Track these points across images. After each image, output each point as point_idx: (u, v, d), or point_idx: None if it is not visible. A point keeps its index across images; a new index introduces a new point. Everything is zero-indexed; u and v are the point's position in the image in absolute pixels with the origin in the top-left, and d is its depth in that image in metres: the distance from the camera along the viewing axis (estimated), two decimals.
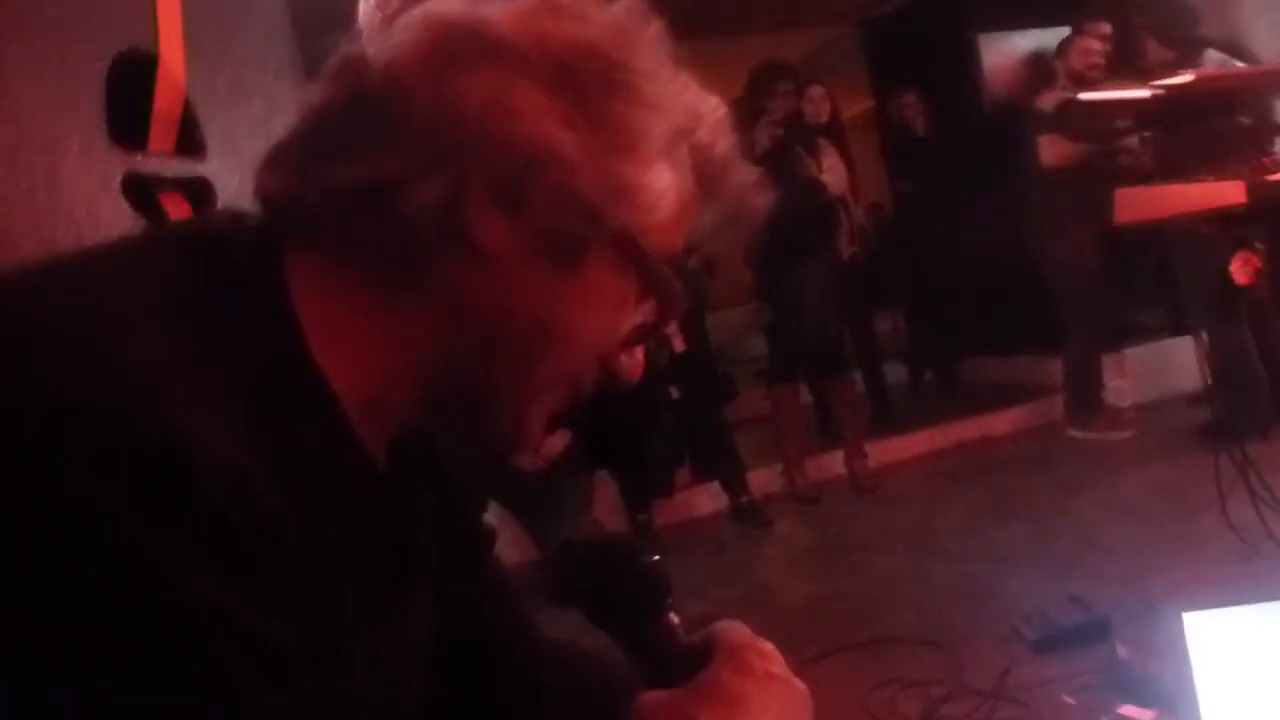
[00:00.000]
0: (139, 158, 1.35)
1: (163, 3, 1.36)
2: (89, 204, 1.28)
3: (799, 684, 0.71)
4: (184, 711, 0.44)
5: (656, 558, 0.75)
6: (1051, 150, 4.41)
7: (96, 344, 0.48)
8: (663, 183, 0.61)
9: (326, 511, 0.54)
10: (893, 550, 3.77)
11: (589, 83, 0.59)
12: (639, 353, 0.69)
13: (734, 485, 4.58)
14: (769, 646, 0.71)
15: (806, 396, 5.20)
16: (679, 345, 4.49)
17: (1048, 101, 4.49)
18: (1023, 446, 4.93)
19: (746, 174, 0.68)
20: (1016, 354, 5.69)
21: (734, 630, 0.72)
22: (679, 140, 0.63)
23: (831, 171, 4.51)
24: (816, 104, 4.78)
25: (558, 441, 4.17)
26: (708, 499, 4.74)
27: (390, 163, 0.56)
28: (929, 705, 2.31)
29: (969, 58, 5.97)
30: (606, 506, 4.45)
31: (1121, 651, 2.20)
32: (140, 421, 0.45)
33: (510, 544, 3.90)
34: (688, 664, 0.70)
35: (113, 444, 0.44)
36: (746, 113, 4.30)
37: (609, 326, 0.64)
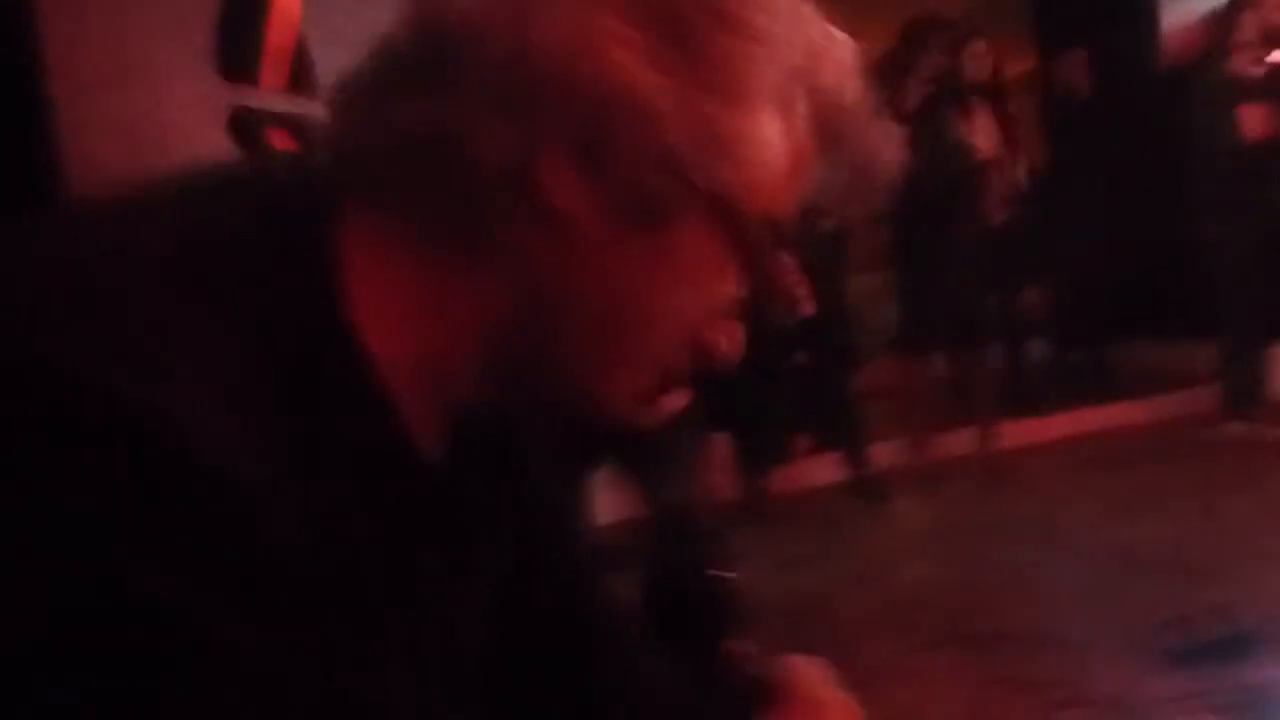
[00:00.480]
0: (248, 92, 1.33)
1: None
2: (192, 136, 1.26)
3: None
4: (92, 691, 0.40)
5: (732, 576, 0.69)
6: (1256, 121, 4.01)
7: (80, 297, 0.44)
8: (769, 133, 0.53)
9: (349, 489, 0.50)
10: (1018, 539, 3.60)
11: (686, 13, 0.51)
12: (737, 329, 0.61)
13: (855, 457, 4.45)
14: (839, 695, 0.65)
15: (940, 369, 5.02)
16: (809, 309, 4.36)
17: (1248, 64, 4.05)
18: (1170, 438, 4.64)
19: (879, 128, 0.59)
20: (1170, 339, 5.35)
21: (808, 676, 0.67)
22: (794, 84, 0.54)
23: (982, 134, 4.26)
24: (978, 60, 4.51)
25: (674, 399, 4.12)
26: (827, 469, 4.61)
27: (461, 109, 0.50)
28: (1044, 711, 2.18)
29: (1147, 15, 5.55)
30: (720, 468, 4.39)
31: (1269, 672, 2.04)
32: (91, 381, 0.41)
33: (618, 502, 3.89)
34: (750, 699, 0.65)
35: (57, 405, 0.41)
36: (895, 68, 4.10)
37: (699, 299, 0.56)
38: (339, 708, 0.48)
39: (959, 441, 4.70)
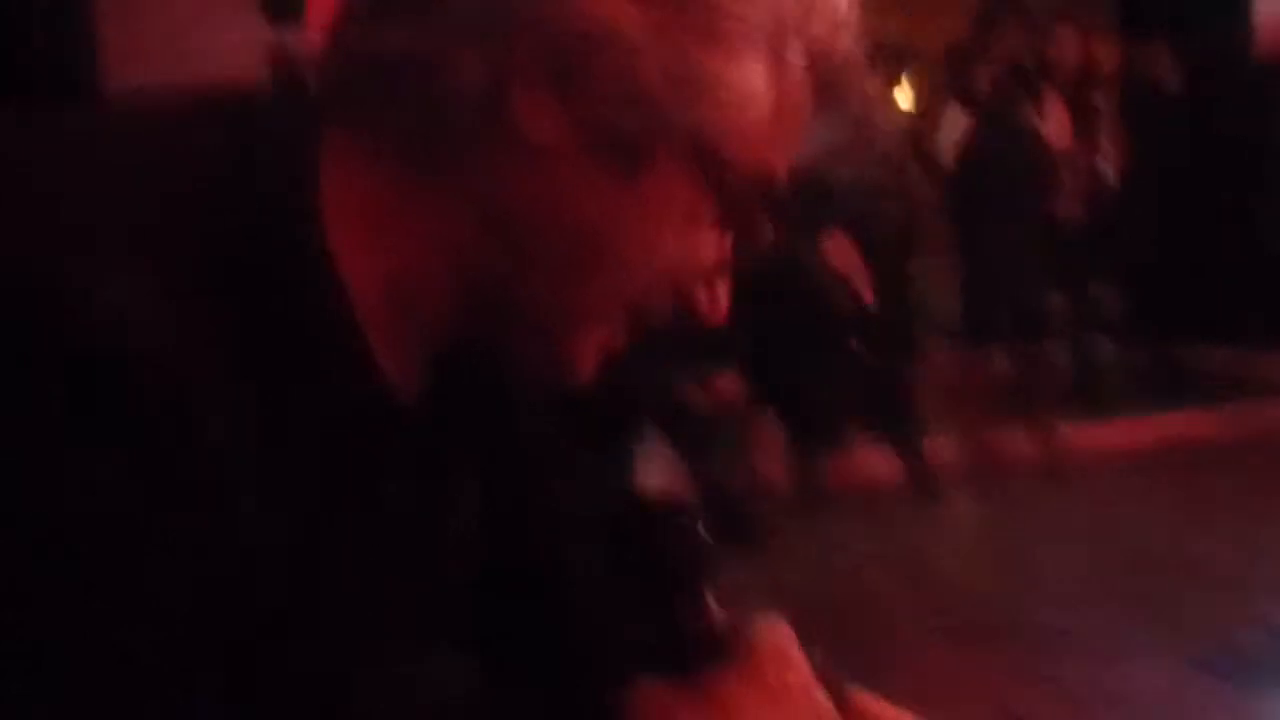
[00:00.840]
0: (291, 31, 1.30)
1: None
2: (229, 70, 1.24)
3: (821, 699, 0.62)
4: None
5: (699, 525, 0.67)
6: None
7: (34, 192, 0.47)
8: (753, 79, 0.52)
9: (298, 394, 0.50)
10: (1073, 543, 3.51)
11: None
12: (721, 289, 0.60)
13: (909, 450, 4.35)
14: (793, 651, 0.62)
15: (1002, 364, 4.90)
16: (868, 296, 4.27)
17: None
18: (1242, 449, 4.48)
19: (872, 85, 0.55)
20: (1247, 346, 5.14)
21: (768, 631, 0.63)
22: (783, 32, 0.53)
23: (1055, 123, 4.12)
24: (1063, 46, 4.36)
25: (729, 385, 4.07)
26: (879, 461, 4.52)
27: (437, 36, 0.50)
28: (1083, 715, 2.10)
29: (1239, 6, 5.32)
30: (773, 455, 4.34)
31: None
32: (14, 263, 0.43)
33: (667, 477, 3.86)
34: (708, 654, 0.63)
35: None
36: (967, 52, 3.99)
37: (675, 248, 0.55)
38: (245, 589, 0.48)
39: (1019, 440, 4.58)
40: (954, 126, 4.13)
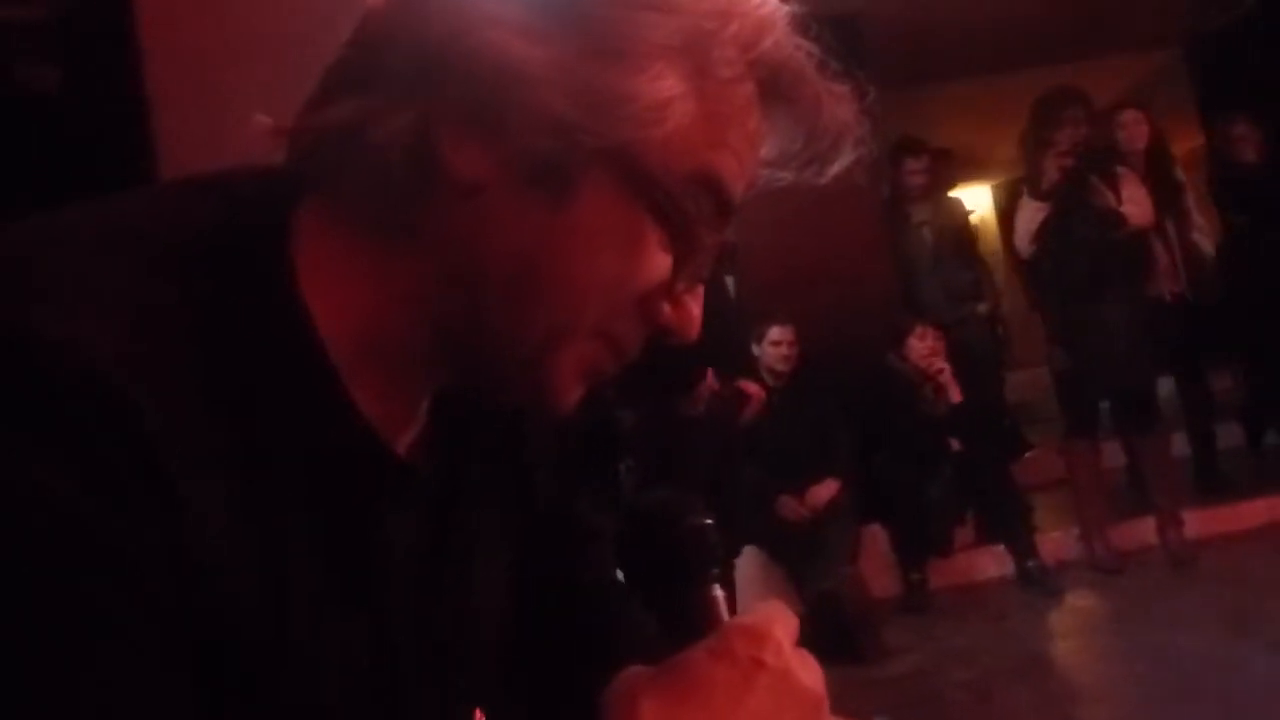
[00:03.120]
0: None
1: None
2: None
3: (806, 681, 0.58)
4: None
5: (709, 521, 0.66)
6: None
7: (12, 249, 0.48)
8: (663, 91, 0.53)
9: (283, 454, 0.51)
10: (1204, 632, 3.30)
11: None
12: (691, 304, 0.60)
13: (1020, 547, 4.21)
14: (773, 630, 0.59)
15: (1117, 457, 4.73)
16: (955, 395, 4.23)
17: None
18: None
19: (823, 86, 0.59)
20: None
21: (755, 610, 0.61)
22: (699, 43, 0.54)
23: (1133, 202, 4.08)
24: (1130, 129, 4.37)
25: (825, 491, 4.05)
26: (991, 562, 4.39)
27: (369, 100, 0.54)
28: None
29: None
30: (878, 561, 4.26)
31: None
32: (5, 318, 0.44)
33: (770, 591, 3.82)
34: (693, 636, 0.60)
35: None
36: (1032, 145, 4.02)
37: (619, 263, 0.55)
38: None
39: (1140, 532, 4.39)
40: (1031, 219, 4.14)
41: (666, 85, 0.53)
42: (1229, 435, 5.42)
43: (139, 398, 0.45)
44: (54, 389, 0.43)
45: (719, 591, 0.64)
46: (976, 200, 6.60)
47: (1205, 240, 4.85)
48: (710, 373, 3.67)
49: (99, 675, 0.43)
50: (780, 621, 0.60)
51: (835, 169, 0.62)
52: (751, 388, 4.06)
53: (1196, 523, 4.32)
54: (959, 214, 5.33)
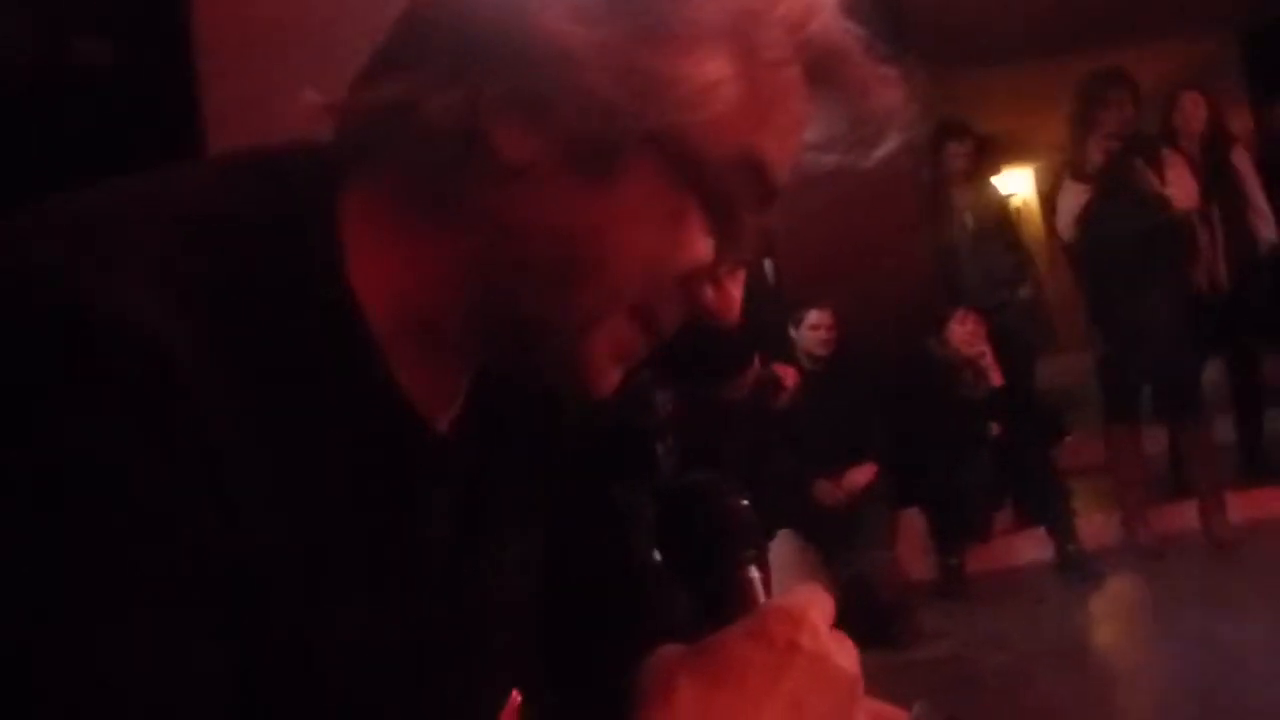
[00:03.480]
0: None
1: None
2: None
3: (842, 664, 0.58)
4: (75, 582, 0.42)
5: (745, 501, 0.67)
6: None
7: (69, 220, 0.49)
8: (716, 74, 0.53)
9: (325, 425, 0.52)
10: (1248, 619, 3.26)
11: None
12: (732, 287, 0.61)
13: (1060, 532, 4.19)
14: (810, 613, 0.59)
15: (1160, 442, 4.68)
16: (996, 379, 4.21)
17: None
18: None
19: (870, 68, 0.59)
20: None
21: (790, 594, 0.61)
22: (746, 24, 0.54)
23: (1179, 186, 4.02)
24: (1187, 113, 4.31)
25: (861, 475, 4.05)
26: (1030, 546, 4.37)
27: (417, 81, 0.54)
28: None
29: None
30: (915, 546, 4.25)
31: None
32: (51, 277, 0.45)
33: (806, 574, 3.83)
34: (728, 617, 0.61)
35: (13, 297, 0.44)
36: (1077, 126, 3.98)
37: (662, 245, 0.56)
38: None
39: (1182, 516, 4.34)
40: (1073, 202, 4.09)
41: (714, 67, 0.53)
42: (1276, 419, 5.35)
43: (186, 365, 0.45)
44: (104, 353, 0.44)
45: (755, 573, 0.64)
46: (1019, 184, 6.51)
47: (1266, 226, 4.67)
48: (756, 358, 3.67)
49: (135, 634, 0.43)
50: (817, 604, 0.60)
51: (881, 153, 0.62)
52: (787, 371, 4.06)
53: (1241, 507, 4.27)
54: (1000, 198, 5.28)
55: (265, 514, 0.48)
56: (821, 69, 0.58)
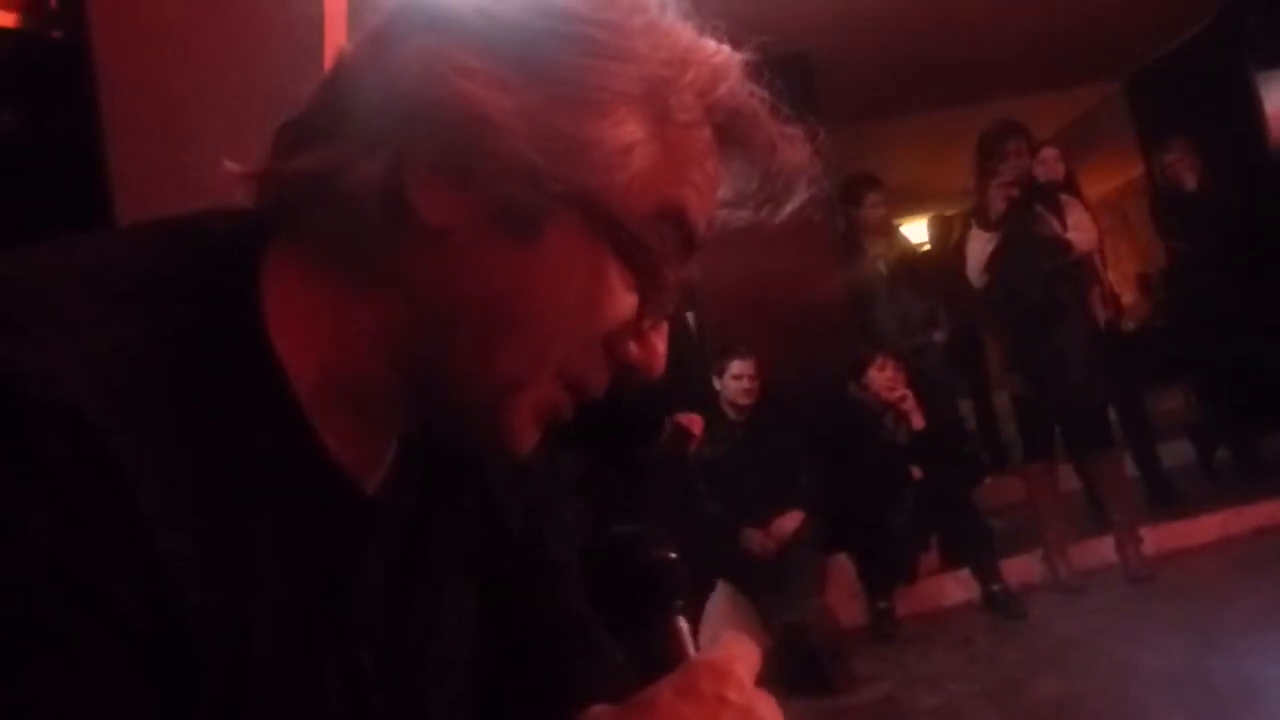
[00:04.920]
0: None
1: None
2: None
3: (767, 717, 0.59)
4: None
5: (673, 555, 0.67)
6: None
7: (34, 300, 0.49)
8: (626, 136, 0.55)
9: (247, 485, 0.52)
10: (1167, 646, 3.35)
11: (533, 39, 0.55)
12: (656, 341, 0.61)
13: (984, 572, 4.26)
14: (736, 667, 0.59)
15: (1074, 480, 4.81)
16: (917, 422, 4.29)
17: None
18: None
19: (776, 129, 0.61)
20: None
21: (721, 645, 0.62)
22: (658, 90, 0.57)
23: (1078, 229, 4.19)
24: (1049, 165, 4.52)
25: (789, 522, 4.07)
26: (957, 587, 4.43)
27: (339, 147, 0.55)
28: None
29: (1247, 100, 5.42)
30: (846, 591, 4.27)
31: None
32: None
33: (739, 623, 3.81)
34: (660, 669, 0.60)
35: None
36: (978, 176, 4.12)
37: (585, 305, 0.57)
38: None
39: (1100, 551, 4.45)
40: (981, 249, 4.23)
41: (628, 131, 0.55)
42: (1182, 453, 5.54)
43: (110, 430, 0.45)
44: (25, 419, 0.43)
45: (684, 623, 0.65)
46: (915, 234, 6.76)
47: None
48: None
49: (65, 702, 0.43)
50: (742, 658, 0.60)
51: (789, 208, 0.64)
52: (693, 420, 4.07)
53: (1154, 539, 4.40)
54: (910, 246, 5.44)
55: (194, 578, 0.48)
56: (730, 130, 0.60)
